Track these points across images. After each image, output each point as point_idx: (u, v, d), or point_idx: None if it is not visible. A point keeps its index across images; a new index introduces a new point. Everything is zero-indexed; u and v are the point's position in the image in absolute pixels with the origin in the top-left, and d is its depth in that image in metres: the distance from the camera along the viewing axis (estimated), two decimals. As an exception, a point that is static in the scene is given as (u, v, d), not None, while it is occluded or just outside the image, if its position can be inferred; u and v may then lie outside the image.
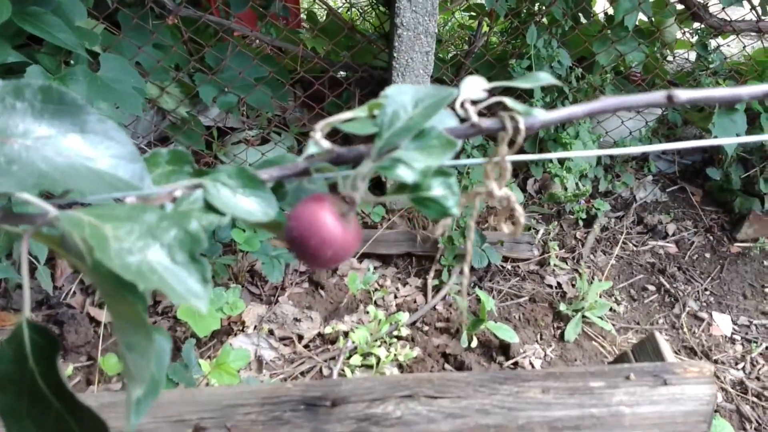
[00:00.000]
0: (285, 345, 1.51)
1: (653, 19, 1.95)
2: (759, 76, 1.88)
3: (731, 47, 2.08)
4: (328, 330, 1.51)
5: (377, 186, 1.88)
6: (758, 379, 1.54)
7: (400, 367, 1.44)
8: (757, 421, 1.41)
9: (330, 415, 0.83)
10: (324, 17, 2.19)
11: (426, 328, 1.58)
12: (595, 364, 1.52)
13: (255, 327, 1.52)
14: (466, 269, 0.40)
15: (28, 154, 0.31)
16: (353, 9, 2.37)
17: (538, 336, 1.59)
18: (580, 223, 1.99)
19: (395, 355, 1.42)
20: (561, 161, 1.90)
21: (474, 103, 0.34)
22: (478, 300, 1.54)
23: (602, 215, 1.99)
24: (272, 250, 1.54)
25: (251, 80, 1.69)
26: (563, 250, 1.89)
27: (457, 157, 0.33)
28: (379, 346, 1.44)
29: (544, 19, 1.96)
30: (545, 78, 0.34)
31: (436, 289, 1.69)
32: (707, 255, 1.94)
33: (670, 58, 2.27)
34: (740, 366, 1.57)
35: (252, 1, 1.70)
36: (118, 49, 1.48)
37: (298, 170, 0.33)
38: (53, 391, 0.32)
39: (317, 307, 1.61)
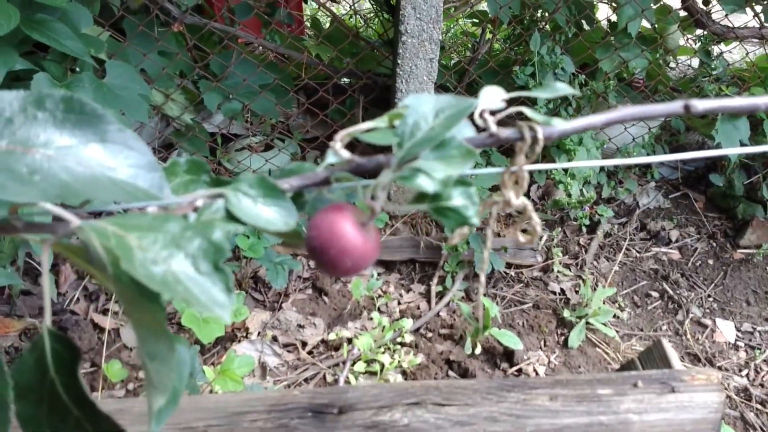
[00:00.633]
0: (289, 351, 1.50)
1: (656, 25, 1.96)
2: (762, 83, 1.89)
3: (734, 54, 2.09)
4: (331, 336, 1.50)
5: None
6: (762, 385, 1.53)
7: (404, 373, 1.44)
8: (761, 429, 1.41)
9: (337, 423, 0.82)
10: (328, 24, 2.20)
11: (430, 334, 1.57)
12: (602, 372, 1.51)
13: (259, 333, 1.52)
14: (483, 277, 0.40)
15: (50, 164, 0.31)
16: (357, 16, 2.38)
17: (542, 342, 1.59)
18: (584, 229, 1.99)
19: (399, 361, 1.42)
20: (565, 168, 1.90)
21: (492, 113, 0.34)
22: (482, 306, 1.53)
23: (605, 221, 1.99)
24: (276, 257, 1.54)
25: (256, 87, 1.70)
26: (567, 257, 1.89)
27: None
28: (383, 353, 1.44)
29: (548, 26, 1.97)
30: (563, 89, 0.34)
31: (440, 295, 1.69)
32: (710, 261, 1.94)
33: (673, 64, 2.28)
34: (744, 373, 1.57)
35: (256, 8, 1.71)
36: (123, 56, 1.49)
37: (318, 180, 0.34)
38: (73, 399, 0.32)
39: (321, 314, 1.61)
